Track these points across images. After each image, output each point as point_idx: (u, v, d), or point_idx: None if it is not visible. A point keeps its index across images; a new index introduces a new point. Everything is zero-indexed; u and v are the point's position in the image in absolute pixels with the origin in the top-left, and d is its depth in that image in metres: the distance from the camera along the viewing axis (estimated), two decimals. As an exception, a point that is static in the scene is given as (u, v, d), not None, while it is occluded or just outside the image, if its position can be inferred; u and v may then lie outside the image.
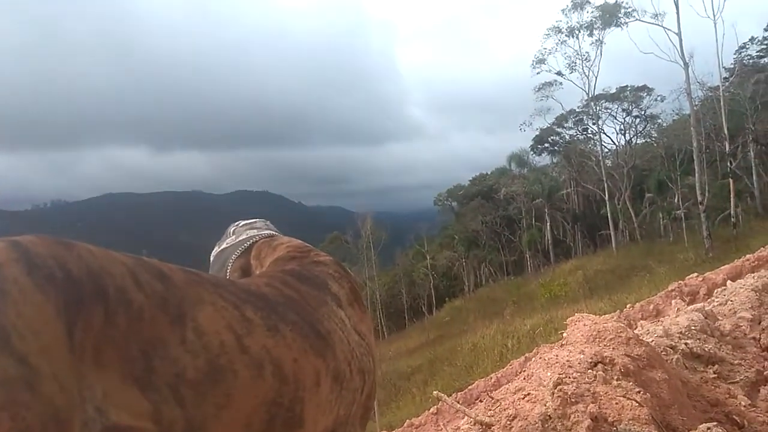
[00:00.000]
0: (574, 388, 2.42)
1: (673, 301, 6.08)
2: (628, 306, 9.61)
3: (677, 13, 27.51)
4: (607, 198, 36.95)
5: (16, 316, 0.86)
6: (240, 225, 2.03)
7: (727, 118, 28.53)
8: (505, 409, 2.41)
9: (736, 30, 39.14)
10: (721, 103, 28.29)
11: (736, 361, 3.69)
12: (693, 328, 3.93)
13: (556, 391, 2.36)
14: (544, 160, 50.53)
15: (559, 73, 38.70)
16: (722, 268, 9.56)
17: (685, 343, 3.64)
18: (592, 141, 43.74)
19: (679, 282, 9.03)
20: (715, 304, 5.11)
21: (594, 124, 41.62)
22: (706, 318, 4.22)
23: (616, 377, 2.60)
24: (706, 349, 3.65)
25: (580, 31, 36.43)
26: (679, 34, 27.60)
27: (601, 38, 35.91)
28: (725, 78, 30.31)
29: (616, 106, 42.36)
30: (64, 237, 1.06)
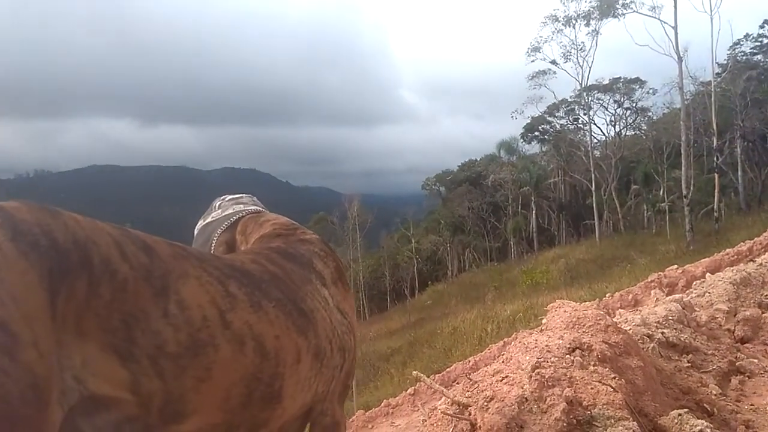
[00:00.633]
0: (551, 372, 2.47)
1: (652, 292, 6.18)
2: (607, 295, 9.75)
3: (675, 6, 27.55)
4: (593, 188, 37.17)
5: None
6: (226, 199, 2.02)
7: (717, 113, 28.70)
8: (482, 391, 2.45)
9: (731, 26, 39.37)
10: (712, 99, 28.45)
11: (709, 352, 3.78)
12: (670, 318, 4.01)
13: (533, 374, 2.40)
14: (534, 148, 50.65)
15: (553, 62, 38.62)
16: (702, 261, 9.71)
17: (662, 332, 3.71)
18: (582, 131, 43.82)
19: (659, 273, 9.16)
20: (693, 295, 5.21)
21: (585, 114, 41.66)
22: (683, 309, 4.30)
23: (592, 363, 2.65)
24: (682, 338, 3.73)
25: (577, 21, 36.30)
26: (675, 28, 27.61)
27: (597, 29, 35.84)
28: (718, 73, 30.46)
29: (608, 98, 42.43)
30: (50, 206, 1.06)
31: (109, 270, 1.02)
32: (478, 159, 53.55)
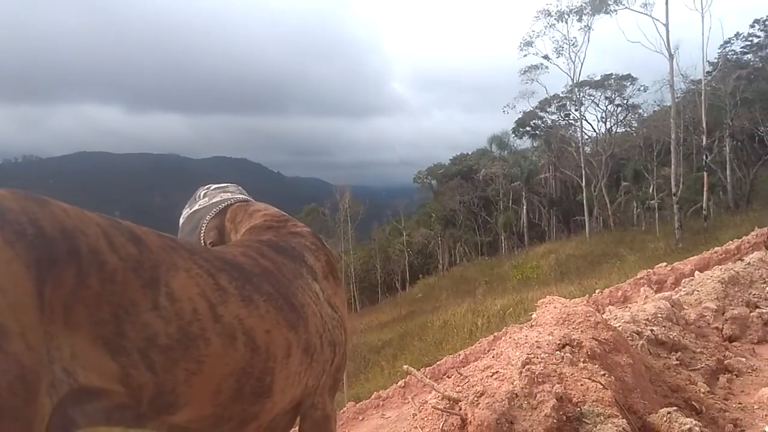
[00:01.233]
0: (541, 368, 2.47)
1: (641, 289, 6.22)
2: (597, 291, 9.81)
3: (666, 3, 27.64)
4: (584, 184, 37.37)
5: None
6: (211, 188, 1.99)
7: (707, 112, 28.89)
8: (473, 386, 2.45)
9: (722, 25, 39.65)
10: (702, 97, 28.61)
11: (698, 350, 3.81)
12: (659, 315, 4.03)
13: (524, 370, 2.41)
14: (525, 143, 50.80)
15: (545, 57, 38.70)
16: (690, 258, 9.80)
17: (651, 330, 3.73)
18: (573, 127, 44.01)
19: (648, 270, 9.23)
20: (682, 293, 5.25)
21: (576, 110, 41.84)
22: (672, 306, 4.33)
23: (582, 359, 2.66)
24: (671, 336, 3.76)
25: (569, 16, 36.36)
26: (666, 25, 27.74)
27: (589, 24, 35.91)
28: (708, 72, 30.62)
29: (600, 94, 42.63)
30: (37, 194, 1.03)
31: (97, 260, 1.00)
32: (470, 153, 53.62)
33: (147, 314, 1.06)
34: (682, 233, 26.34)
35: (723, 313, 4.64)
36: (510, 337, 3.08)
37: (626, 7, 31.19)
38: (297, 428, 1.61)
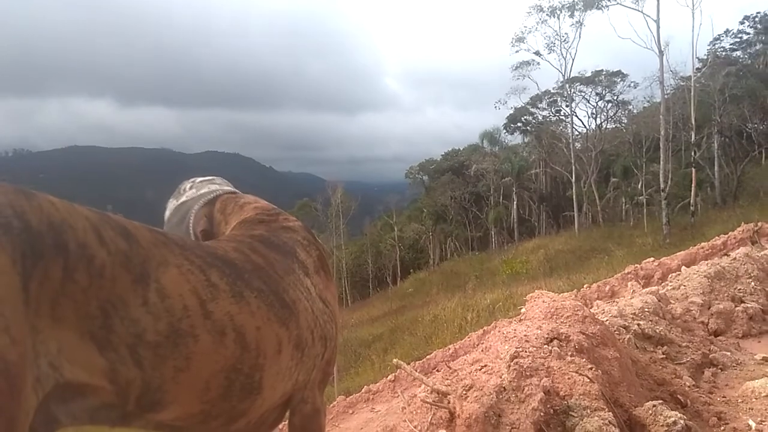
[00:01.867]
0: (529, 361, 2.49)
1: (629, 283, 6.27)
2: (585, 286, 9.86)
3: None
4: (573, 180, 37.55)
5: None
6: (197, 181, 1.97)
7: (696, 108, 29.10)
8: (461, 380, 2.47)
9: (712, 22, 39.88)
10: (692, 94, 28.81)
11: (684, 344, 3.85)
12: (646, 309, 4.07)
13: (512, 364, 2.43)
14: (516, 139, 50.96)
15: (537, 53, 38.78)
16: (678, 254, 9.86)
17: (638, 324, 3.77)
18: (564, 123, 44.20)
19: (636, 265, 9.29)
20: (669, 288, 5.30)
21: (567, 106, 41.97)
22: (659, 301, 4.37)
23: (570, 353, 2.69)
24: (657, 330, 3.80)
25: (561, 11, 36.42)
26: (657, 21, 27.86)
27: (581, 20, 36.01)
28: (698, 69, 30.82)
29: (590, 90, 42.79)
30: (26, 187, 1.02)
31: (85, 255, 1.00)
32: (461, 149, 53.71)
33: (136, 310, 1.06)
34: (670, 229, 26.56)
35: (709, 308, 4.70)
36: (499, 331, 3.10)
37: (618, 3, 31.27)
38: (287, 422, 1.62)
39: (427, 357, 8.94)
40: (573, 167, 37.58)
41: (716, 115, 31.41)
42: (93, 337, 1.00)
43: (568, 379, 2.46)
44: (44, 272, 0.93)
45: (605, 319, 3.71)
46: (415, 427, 2.42)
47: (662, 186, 27.50)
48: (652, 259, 9.45)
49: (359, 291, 44.80)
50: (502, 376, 2.37)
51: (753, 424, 2.76)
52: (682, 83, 33.02)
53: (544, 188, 47.74)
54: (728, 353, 3.94)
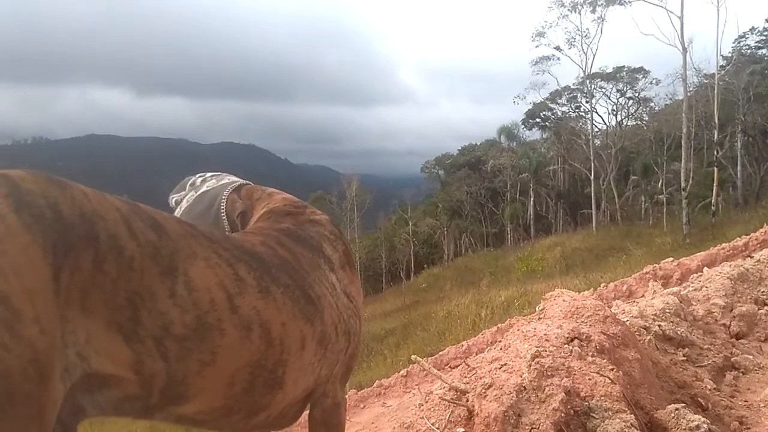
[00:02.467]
0: (550, 361, 2.47)
1: (650, 284, 6.19)
2: (602, 285, 9.76)
3: (682, -5, 27.24)
4: (592, 177, 37.17)
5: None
6: (208, 176, 1.97)
7: (719, 106, 28.58)
8: (480, 378, 2.45)
9: (738, 19, 39.08)
10: (715, 92, 28.30)
11: (705, 346, 3.79)
12: (667, 311, 4.01)
13: (533, 363, 2.40)
14: (534, 134, 50.54)
15: (557, 48, 38.34)
16: (697, 254, 9.71)
17: (659, 325, 3.72)
18: (584, 119, 43.71)
19: (654, 265, 9.17)
20: (691, 289, 5.22)
21: (587, 102, 41.47)
22: (680, 302, 4.31)
23: (591, 353, 2.65)
24: (678, 332, 3.74)
25: (583, 7, 35.95)
26: (681, 18, 27.32)
27: (603, 15, 35.50)
28: (722, 66, 30.24)
29: (611, 86, 42.23)
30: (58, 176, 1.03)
31: (115, 246, 1.00)
32: (478, 144, 53.41)
33: (164, 302, 1.06)
34: (690, 228, 26.18)
35: (731, 310, 4.61)
36: (518, 330, 3.08)
37: (641, -1, 30.75)
38: (307, 414, 1.62)
39: (440, 353, 8.92)
40: (592, 164, 37.18)
41: (740, 114, 30.84)
42: (120, 329, 1.01)
43: (589, 379, 2.43)
44: (75, 263, 0.93)
45: (626, 319, 3.66)
46: (432, 424, 2.41)
47: (683, 185, 27.07)
48: (671, 259, 9.32)
49: (372, 285, 44.83)
50: (523, 376, 2.34)
51: (777, 430, 2.71)
52: (705, 81, 32.41)
53: (561, 185, 47.32)
54: (750, 356, 3.86)
